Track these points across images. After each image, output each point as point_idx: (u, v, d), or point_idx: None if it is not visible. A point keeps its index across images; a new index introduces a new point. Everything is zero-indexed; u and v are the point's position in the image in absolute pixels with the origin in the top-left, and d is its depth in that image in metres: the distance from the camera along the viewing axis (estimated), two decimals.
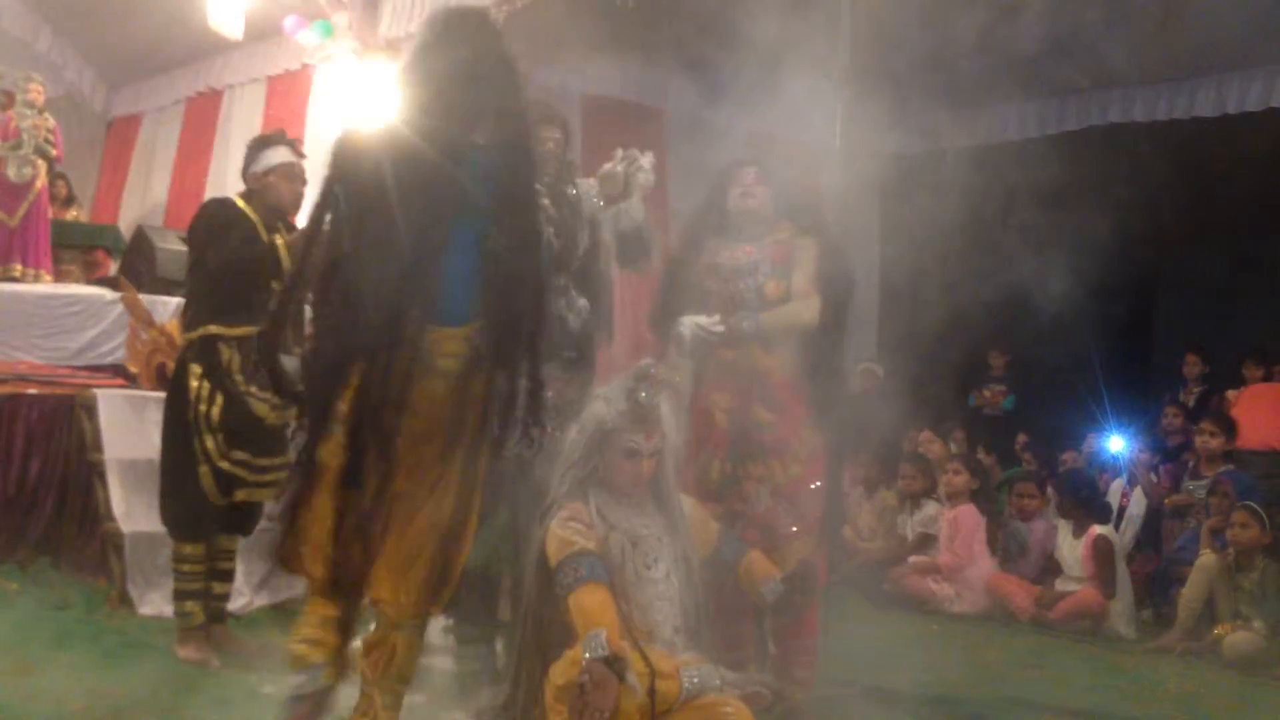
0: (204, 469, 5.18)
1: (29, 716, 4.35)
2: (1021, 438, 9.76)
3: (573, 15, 6.55)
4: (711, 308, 4.81)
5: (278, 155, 5.36)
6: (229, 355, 5.21)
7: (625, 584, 3.80)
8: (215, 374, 5.20)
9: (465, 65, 3.61)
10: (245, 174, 5.43)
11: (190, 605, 5.30)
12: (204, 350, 5.23)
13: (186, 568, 5.31)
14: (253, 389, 5.22)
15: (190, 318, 5.40)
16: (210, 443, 5.18)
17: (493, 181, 3.61)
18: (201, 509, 5.25)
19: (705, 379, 4.90)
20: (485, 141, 3.61)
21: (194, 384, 5.20)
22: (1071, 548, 7.78)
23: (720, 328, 4.71)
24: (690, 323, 4.73)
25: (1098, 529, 7.70)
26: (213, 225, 5.29)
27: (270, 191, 5.31)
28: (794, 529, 4.72)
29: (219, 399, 5.18)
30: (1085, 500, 7.91)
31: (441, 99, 3.59)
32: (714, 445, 4.85)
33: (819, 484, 4.84)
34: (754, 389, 4.81)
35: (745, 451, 4.78)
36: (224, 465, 5.18)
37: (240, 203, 5.36)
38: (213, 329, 5.22)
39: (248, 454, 5.23)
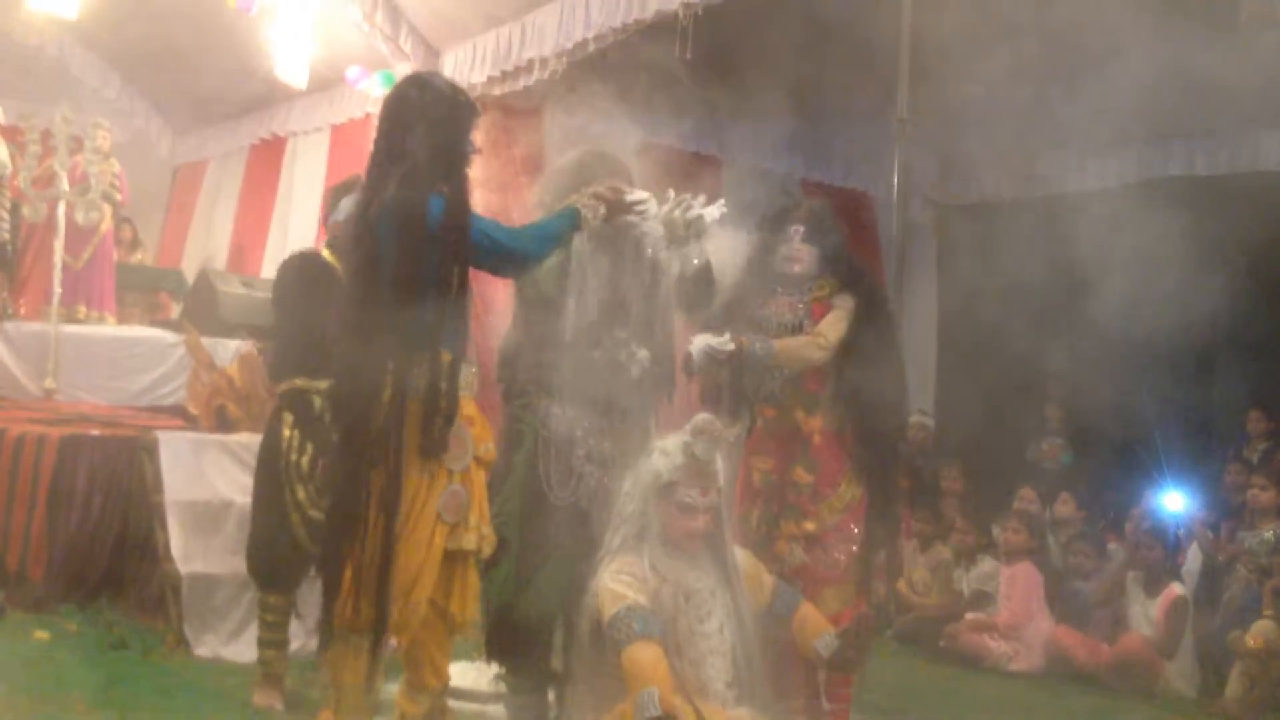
0: (295, 517, 5.14)
1: None
2: (1063, 495, 9.55)
3: (632, 67, 6.60)
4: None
5: None
6: (321, 405, 5.13)
7: (678, 638, 3.79)
8: (306, 424, 5.17)
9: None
10: (327, 222, 5.43)
11: (271, 654, 5.26)
12: (295, 401, 5.22)
13: (271, 618, 5.28)
14: None
15: (277, 369, 5.43)
16: (301, 492, 5.15)
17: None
18: (292, 559, 5.19)
19: (749, 438, 4.93)
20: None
21: (286, 433, 5.20)
22: (1144, 605, 7.67)
23: (730, 346, 4.68)
24: (701, 342, 4.73)
25: (1176, 589, 7.59)
26: (297, 281, 5.30)
27: None
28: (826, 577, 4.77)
29: (309, 449, 5.15)
30: (1162, 559, 7.81)
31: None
32: (751, 498, 4.92)
33: (856, 532, 4.84)
34: (795, 450, 4.88)
35: (779, 510, 4.85)
36: (314, 514, 5.08)
37: (326, 254, 5.34)
38: (298, 383, 5.22)
39: None
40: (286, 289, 5.38)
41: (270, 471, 5.24)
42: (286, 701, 5.22)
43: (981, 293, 8.26)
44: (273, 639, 5.27)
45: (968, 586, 8.35)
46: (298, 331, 5.26)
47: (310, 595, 5.48)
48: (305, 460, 5.15)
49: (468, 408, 3.99)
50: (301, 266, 5.40)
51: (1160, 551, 7.85)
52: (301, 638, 6.15)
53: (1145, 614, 7.60)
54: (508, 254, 4.01)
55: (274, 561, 5.25)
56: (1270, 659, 6.71)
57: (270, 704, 5.15)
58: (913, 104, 6.69)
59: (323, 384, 5.06)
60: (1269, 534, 7.84)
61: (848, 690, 4.82)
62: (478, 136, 4.10)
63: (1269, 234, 8.29)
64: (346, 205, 5.16)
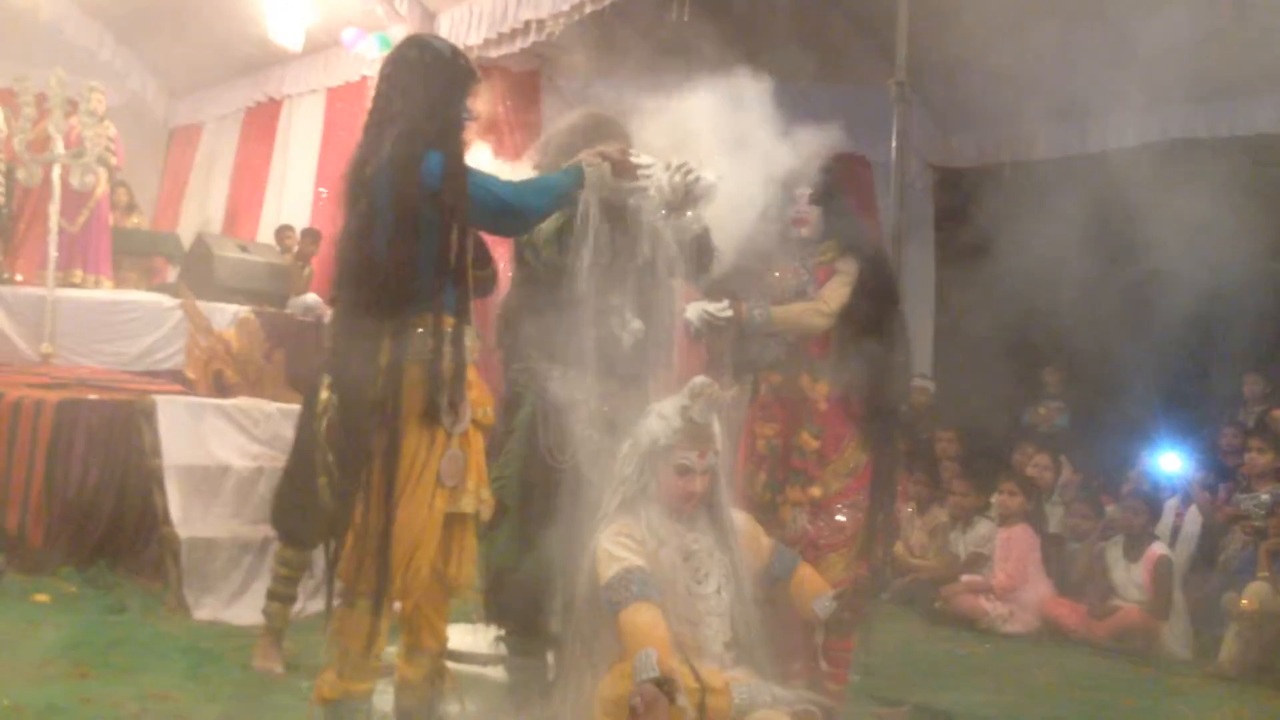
0: (323, 479, 4.96)
1: (83, 719, 4.40)
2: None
3: (630, 28, 6.58)
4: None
5: None
6: None
7: (676, 599, 3.81)
8: None
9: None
10: None
11: (276, 608, 5.34)
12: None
13: (284, 571, 5.37)
14: None
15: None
16: (332, 455, 5.08)
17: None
18: (315, 518, 5.01)
19: (754, 403, 4.92)
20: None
21: (323, 395, 5.11)
22: (1125, 569, 7.70)
23: (729, 313, 4.67)
24: (698, 308, 4.71)
25: (1158, 549, 7.63)
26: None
27: None
28: (831, 542, 4.74)
29: None
30: (1142, 523, 7.83)
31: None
32: (756, 464, 4.90)
33: (860, 497, 4.83)
34: (800, 416, 4.84)
35: (784, 476, 4.82)
36: None
37: None
38: None
39: None
40: None
41: (307, 432, 5.12)
42: (286, 664, 5.23)
43: (979, 256, 8.23)
44: (282, 592, 5.36)
45: (964, 549, 8.38)
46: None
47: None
48: None
49: (468, 373, 3.97)
50: None
51: (1142, 516, 7.89)
52: (301, 601, 6.20)
53: (1131, 579, 7.64)
54: (508, 209, 3.94)
55: (299, 518, 5.24)
56: (1265, 620, 6.74)
57: (270, 666, 5.19)
58: (911, 66, 6.63)
59: None
60: (1265, 496, 7.86)
61: (847, 653, 4.82)
62: (476, 102, 4.06)
63: (1265, 198, 8.28)
64: None
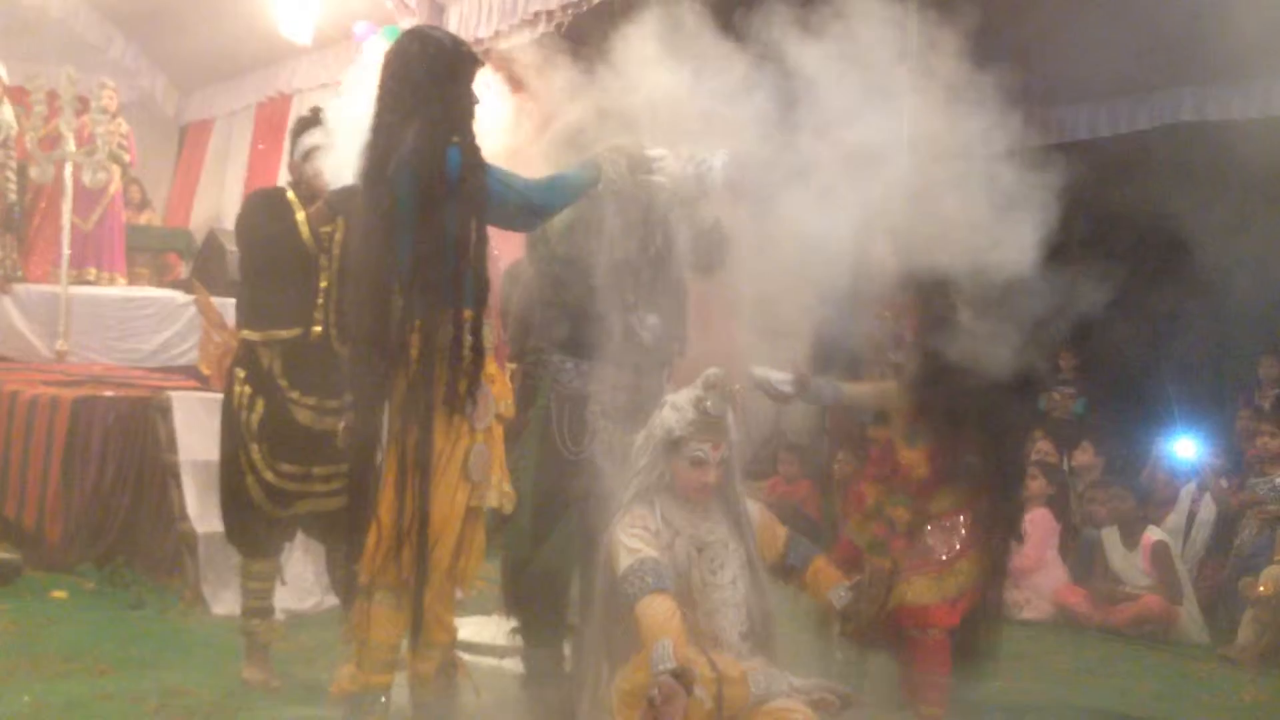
0: (250, 480, 4.83)
1: (103, 715, 4.43)
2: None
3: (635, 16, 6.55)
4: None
5: (316, 137, 4.79)
6: (269, 360, 4.83)
7: (691, 590, 3.81)
8: (257, 380, 4.84)
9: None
10: (290, 162, 5.01)
11: (257, 623, 4.97)
12: (245, 355, 4.90)
13: (254, 585, 4.97)
14: (295, 394, 4.83)
15: (237, 316, 5.16)
16: (255, 453, 4.81)
17: None
18: (258, 523, 4.89)
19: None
20: None
21: (237, 390, 4.88)
22: (1124, 557, 7.69)
23: (789, 389, 4.55)
24: (760, 373, 4.57)
25: (1153, 535, 7.62)
26: (248, 220, 4.93)
27: (319, 179, 4.78)
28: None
29: (259, 405, 4.82)
30: (1132, 509, 7.84)
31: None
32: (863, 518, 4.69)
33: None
34: (896, 484, 4.59)
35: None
36: (268, 477, 4.81)
37: (290, 194, 4.92)
38: (245, 334, 4.90)
39: (298, 464, 4.84)
40: (239, 231, 5.02)
41: (227, 431, 4.93)
42: (273, 671, 4.99)
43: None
44: (258, 607, 4.98)
45: None
46: (250, 277, 4.94)
47: (290, 562, 5.40)
48: (255, 418, 4.81)
49: (489, 366, 3.98)
50: (255, 206, 4.99)
51: (1130, 503, 7.88)
52: (318, 594, 6.21)
53: (1133, 566, 7.63)
54: (525, 204, 3.96)
55: (243, 528, 4.94)
56: None
57: (262, 679, 4.90)
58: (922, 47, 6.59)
59: (280, 334, 4.80)
60: (1279, 480, 7.85)
61: (939, 678, 4.50)
62: (478, 87, 4.05)
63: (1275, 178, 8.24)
64: (307, 143, 4.84)
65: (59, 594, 6.16)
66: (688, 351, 4.54)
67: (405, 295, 3.80)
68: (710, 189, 4.38)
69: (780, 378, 4.56)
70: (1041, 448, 9.10)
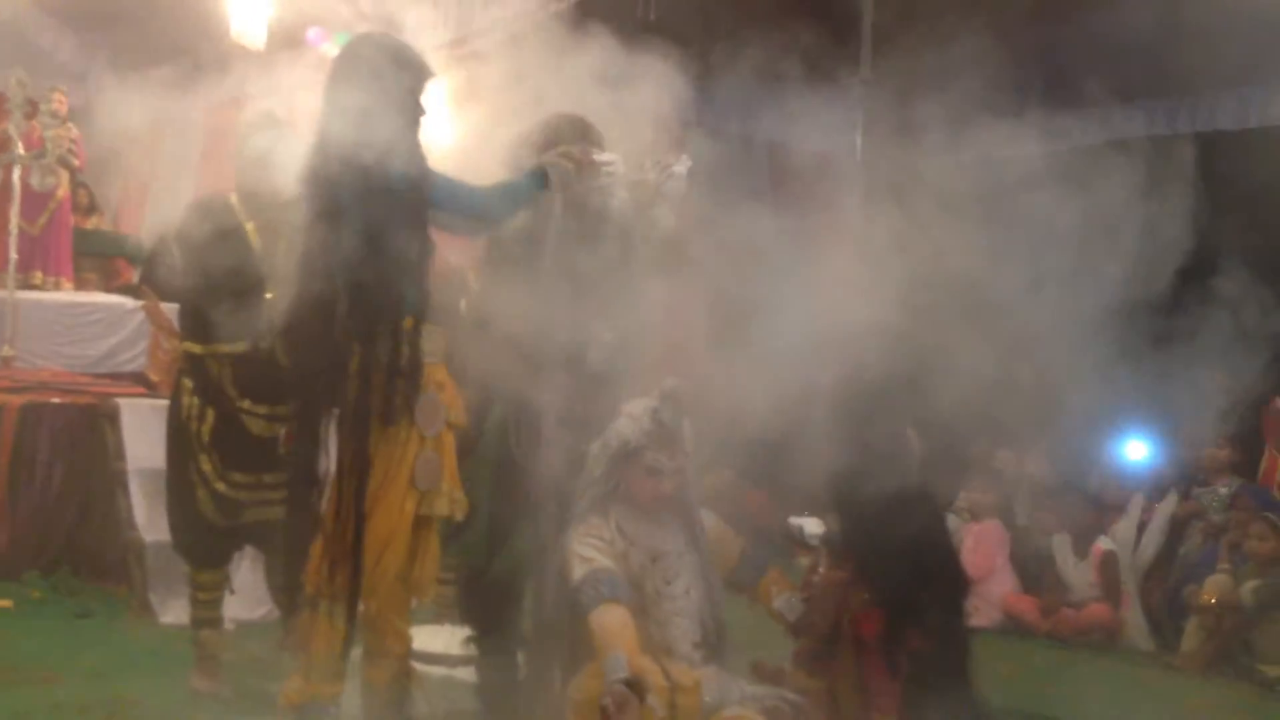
0: (201, 492, 4.75)
1: None
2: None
3: (594, 28, 6.56)
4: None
5: (265, 141, 4.72)
6: (218, 370, 4.75)
7: (645, 600, 3.83)
8: (205, 391, 4.76)
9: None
10: (238, 166, 4.92)
11: (207, 634, 4.92)
12: (191, 366, 4.83)
13: (204, 596, 4.92)
14: (246, 404, 4.75)
15: (180, 327, 5.06)
16: (206, 464, 4.74)
17: None
18: (207, 533, 4.83)
19: None
20: None
21: (185, 401, 4.80)
22: (1075, 566, 7.78)
23: (815, 543, 4.61)
24: (797, 524, 4.59)
25: (1104, 544, 7.70)
26: (190, 231, 4.79)
27: (266, 184, 4.62)
28: None
29: (209, 416, 4.75)
30: (1086, 520, 7.92)
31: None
32: None
33: None
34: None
35: None
36: (220, 487, 4.74)
37: (234, 201, 4.86)
38: (187, 346, 4.84)
39: (250, 474, 4.76)
40: (185, 241, 4.84)
41: (175, 442, 4.86)
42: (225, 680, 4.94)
43: (945, 256, 8.26)
44: (207, 618, 4.93)
45: None
46: (192, 288, 4.82)
47: (239, 571, 5.25)
48: (206, 429, 4.74)
49: (438, 374, 3.97)
50: (204, 216, 4.83)
51: (1086, 514, 7.96)
52: (268, 603, 6.15)
53: (1081, 576, 7.72)
54: (470, 213, 3.98)
55: (193, 538, 4.88)
56: (1225, 613, 6.81)
57: (212, 688, 4.85)
58: (875, 65, 6.67)
59: (224, 348, 4.72)
60: (1223, 490, 7.94)
61: (893, 685, 4.24)
62: (428, 96, 4.05)
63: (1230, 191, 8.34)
64: (259, 143, 4.75)
65: (4, 603, 6.10)
66: (644, 359, 4.54)
67: (345, 303, 3.78)
68: (671, 194, 4.40)
69: (814, 529, 4.62)
70: (1003, 456, 9.16)
